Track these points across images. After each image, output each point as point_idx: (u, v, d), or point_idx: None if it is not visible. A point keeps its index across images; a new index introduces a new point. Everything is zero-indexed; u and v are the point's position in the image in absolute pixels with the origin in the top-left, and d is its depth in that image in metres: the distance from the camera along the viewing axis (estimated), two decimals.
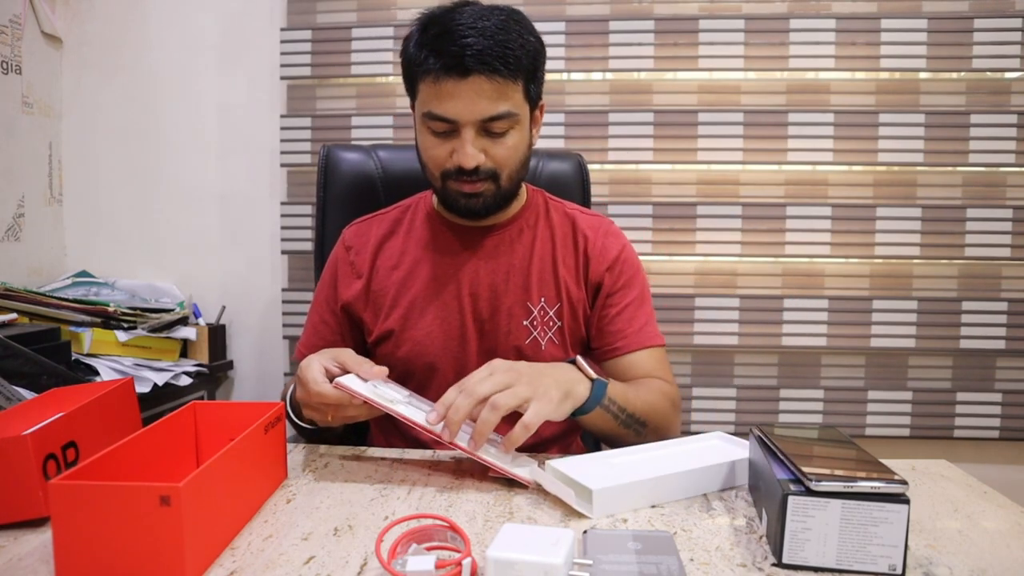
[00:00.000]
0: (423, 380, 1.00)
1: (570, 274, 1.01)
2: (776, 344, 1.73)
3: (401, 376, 1.02)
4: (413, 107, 0.96)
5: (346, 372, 0.79)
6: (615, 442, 0.88)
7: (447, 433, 0.71)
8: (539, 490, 0.71)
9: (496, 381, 0.73)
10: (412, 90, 0.94)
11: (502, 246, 1.01)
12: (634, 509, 0.67)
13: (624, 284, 1.01)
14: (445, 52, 0.85)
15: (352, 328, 1.06)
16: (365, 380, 0.78)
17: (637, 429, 0.87)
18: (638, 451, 0.78)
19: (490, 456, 0.74)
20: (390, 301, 1.01)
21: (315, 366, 0.79)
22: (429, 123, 0.90)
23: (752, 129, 1.71)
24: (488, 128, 0.89)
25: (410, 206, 1.08)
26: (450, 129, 0.89)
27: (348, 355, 0.81)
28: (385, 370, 0.80)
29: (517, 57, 0.87)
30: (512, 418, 1.01)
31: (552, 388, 0.76)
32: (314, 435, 0.90)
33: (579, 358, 0.83)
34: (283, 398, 0.95)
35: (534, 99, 0.94)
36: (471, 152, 0.88)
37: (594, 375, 0.81)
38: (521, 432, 0.72)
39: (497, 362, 0.77)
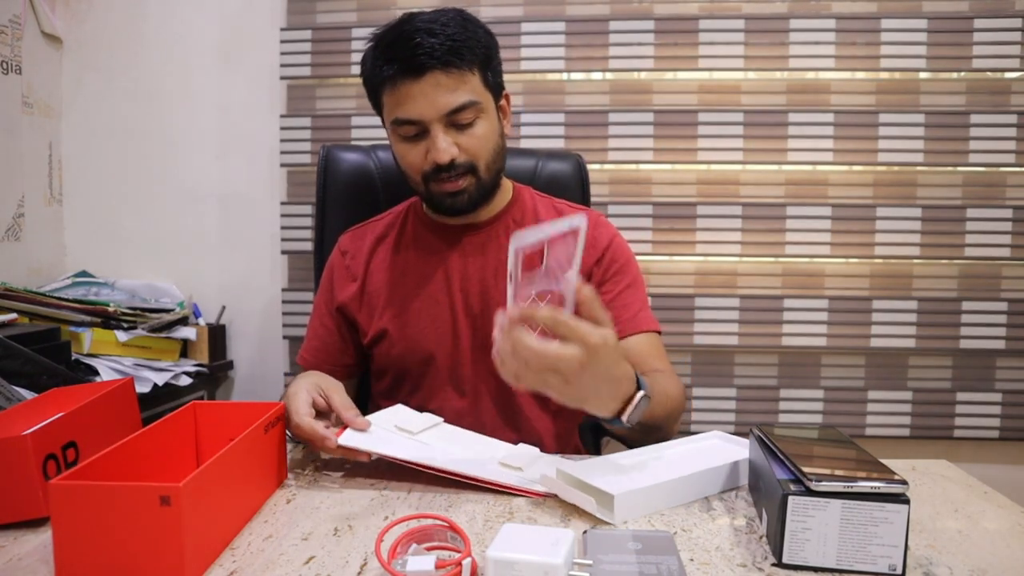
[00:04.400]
0: (419, 376, 1.02)
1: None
2: (776, 344, 1.73)
3: (397, 373, 1.03)
4: (383, 122, 0.97)
5: (329, 406, 0.80)
6: (631, 442, 0.90)
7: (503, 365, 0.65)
8: (552, 495, 0.71)
9: (565, 366, 0.63)
10: (377, 104, 0.96)
11: (490, 243, 1.02)
12: (657, 512, 0.67)
13: (615, 272, 1.02)
14: (397, 57, 0.88)
15: (350, 329, 1.06)
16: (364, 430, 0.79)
17: (644, 435, 0.86)
18: (643, 453, 0.78)
19: (501, 478, 0.73)
20: (383, 302, 1.02)
21: (303, 396, 0.80)
22: (398, 129, 0.93)
23: (752, 129, 1.71)
24: (455, 120, 0.90)
25: (403, 211, 1.10)
26: (419, 131, 0.91)
27: (336, 393, 0.81)
28: (368, 422, 0.79)
29: (469, 47, 0.89)
30: (508, 413, 1.02)
31: (596, 403, 0.68)
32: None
33: (639, 398, 0.71)
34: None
35: (495, 88, 0.95)
36: (443, 146, 0.90)
37: (639, 414, 0.71)
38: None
39: (588, 350, 0.63)
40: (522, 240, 0.62)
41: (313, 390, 0.81)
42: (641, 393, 0.71)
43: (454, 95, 0.89)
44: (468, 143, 0.92)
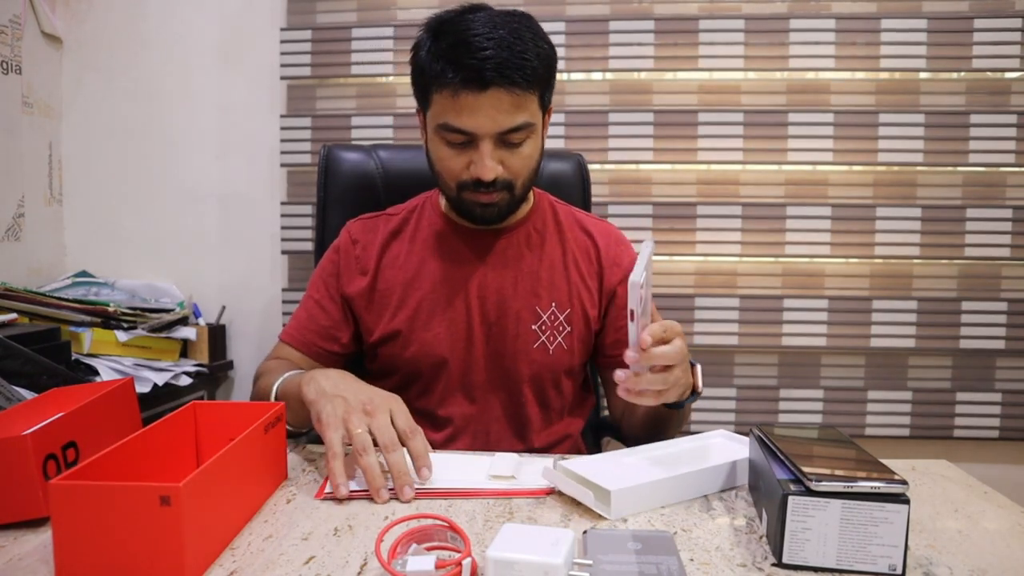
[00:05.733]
0: (430, 379, 1.01)
1: (583, 281, 1.01)
2: (776, 344, 1.73)
3: (408, 375, 1.02)
4: (423, 114, 0.94)
5: (405, 442, 0.72)
6: (645, 426, 0.94)
7: (640, 364, 0.72)
8: (553, 493, 0.71)
9: (682, 357, 0.76)
10: (425, 99, 0.92)
11: (510, 250, 1.01)
12: (651, 509, 0.67)
13: None
14: (463, 65, 0.83)
15: (353, 320, 1.04)
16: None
17: (675, 427, 0.93)
18: (645, 451, 0.78)
19: (498, 485, 0.73)
20: (396, 302, 1.00)
21: (393, 406, 0.74)
22: (445, 134, 0.89)
23: (752, 129, 1.71)
24: (506, 139, 0.88)
25: (416, 207, 1.07)
26: (466, 140, 0.88)
27: (421, 434, 0.74)
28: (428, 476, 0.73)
29: (534, 68, 0.85)
30: (515, 422, 1.02)
31: (687, 381, 0.80)
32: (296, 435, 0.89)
33: (699, 368, 0.85)
34: (271, 387, 0.89)
35: (546, 105, 0.94)
36: (490, 165, 0.87)
37: (699, 389, 0.85)
38: (652, 397, 0.75)
39: (680, 340, 0.76)
40: (636, 276, 0.69)
41: (401, 416, 0.74)
42: (698, 365, 0.85)
43: (512, 116, 0.86)
44: (513, 163, 0.90)
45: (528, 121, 0.88)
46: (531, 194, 1.05)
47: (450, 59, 0.84)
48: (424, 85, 0.90)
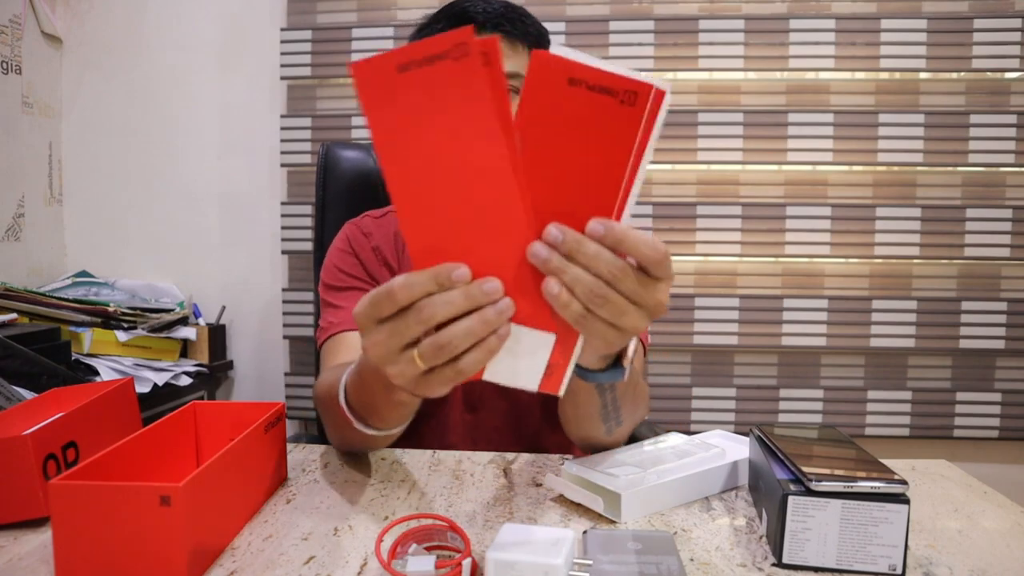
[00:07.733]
0: None
1: None
2: (776, 344, 1.73)
3: None
4: None
5: None
6: (580, 425, 0.79)
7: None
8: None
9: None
10: None
11: None
12: (657, 512, 0.67)
13: None
14: (451, 16, 0.89)
15: None
16: None
17: (609, 427, 0.77)
18: (645, 451, 0.78)
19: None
20: None
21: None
22: None
23: (752, 129, 1.71)
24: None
25: None
26: None
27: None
28: None
29: (524, 22, 0.90)
30: (519, 431, 0.98)
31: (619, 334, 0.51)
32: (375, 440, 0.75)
33: (633, 344, 0.60)
34: (337, 395, 0.74)
35: None
36: None
37: (624, 363, 0.62)
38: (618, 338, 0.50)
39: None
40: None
41: None
42: (635, 340, 0.59)
43: (506, 60, 0.85)
44: None
45: (519, 71, 0.89)
46: None
47: (437, 18, 0.91)
48: None
